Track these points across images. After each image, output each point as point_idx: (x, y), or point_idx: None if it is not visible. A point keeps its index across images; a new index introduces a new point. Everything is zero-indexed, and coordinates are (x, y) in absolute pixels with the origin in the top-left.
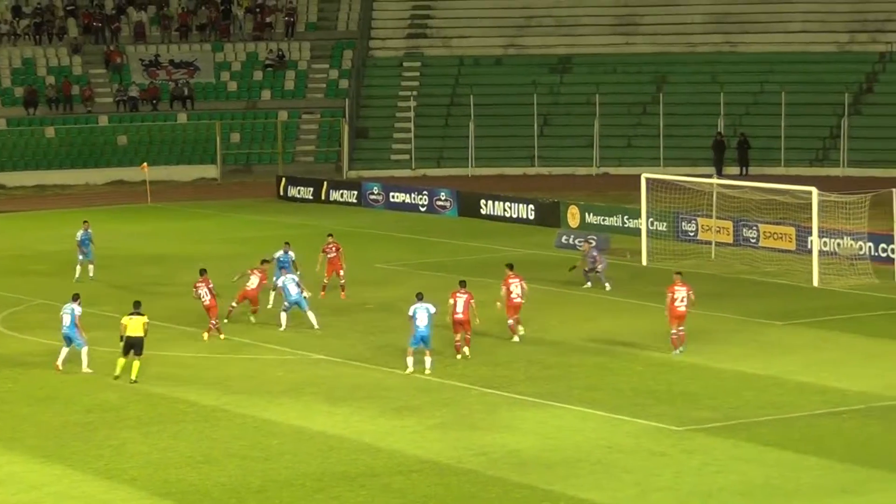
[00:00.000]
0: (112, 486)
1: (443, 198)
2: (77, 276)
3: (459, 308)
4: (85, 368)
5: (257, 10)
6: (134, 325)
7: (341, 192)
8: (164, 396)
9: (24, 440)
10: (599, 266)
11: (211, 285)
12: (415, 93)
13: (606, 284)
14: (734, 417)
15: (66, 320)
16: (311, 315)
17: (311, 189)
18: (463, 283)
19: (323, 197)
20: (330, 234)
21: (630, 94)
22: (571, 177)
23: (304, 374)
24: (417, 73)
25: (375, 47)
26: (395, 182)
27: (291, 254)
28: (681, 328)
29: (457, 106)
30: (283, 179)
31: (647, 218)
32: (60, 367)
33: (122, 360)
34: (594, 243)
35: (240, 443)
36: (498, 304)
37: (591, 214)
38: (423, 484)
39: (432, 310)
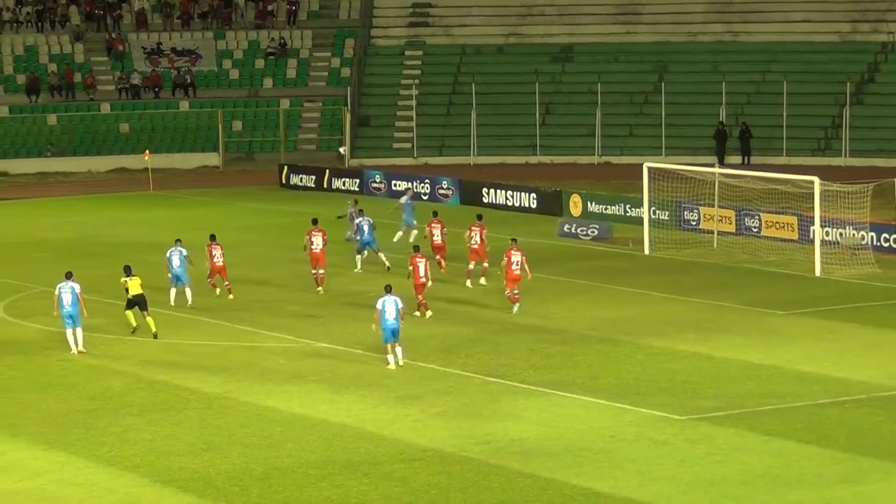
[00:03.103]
0: (115, 474)
1: (445, 186)
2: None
3: (476, 240)
4: (81, 347)
5: None
6: (134, 285)
7: (343, 180)
8: (166, 384)
9: (28, 427)
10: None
11: (222, 249)
12: (416, 81)
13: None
14: (736, 407)
15: (68, 299)
16: (382, 255)
17: (314, 177)
18: (514, 240)
19: (325, 185)
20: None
21: (632, 83)
22: (573, 165)
23: (306, 361)
24: (419, 62)
25: (377, 35)
26: (396, 170)
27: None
28: (515, 291)
29: (458, 94)
30: (285, 167)
31: (650, 207)
32: (82, 349)
33: (129, 313)
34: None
35: (243, 430)
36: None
37: (594, 203)
38: (425, 472)
39: (400, 304)
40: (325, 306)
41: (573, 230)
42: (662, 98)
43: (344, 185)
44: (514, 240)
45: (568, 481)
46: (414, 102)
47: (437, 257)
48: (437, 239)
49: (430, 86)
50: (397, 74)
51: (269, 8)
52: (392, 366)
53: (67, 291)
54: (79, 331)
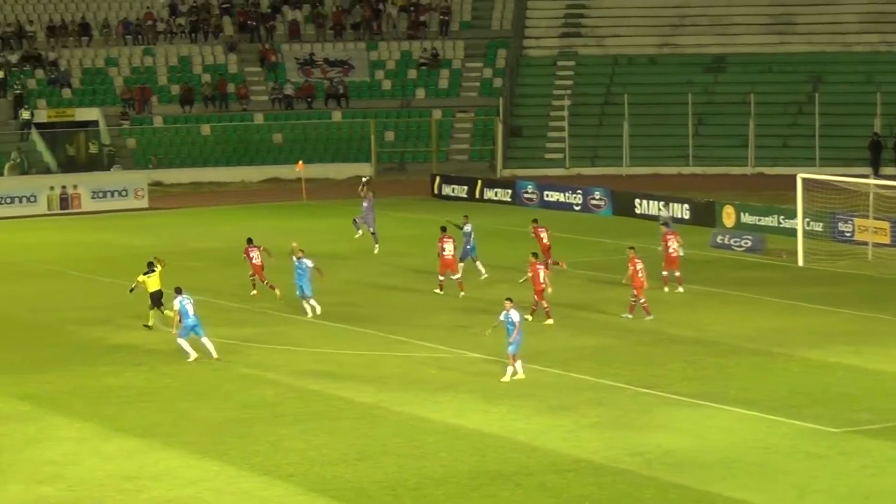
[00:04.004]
0: (269, 483)
1: (597, 197)
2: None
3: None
4: (215, 355)
5: (411, 8)
6: (153, 282)
7: (495, 190)
8: (320, 393)
9: (182, 436)
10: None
11: (262, 248)
12: (569, 91)
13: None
14: (892, 420)
15: (192, 310)
16: (479, 265)
17: (466, 187)
18: (632, 248)
19: (477, 195)
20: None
21: (785, 93)
22: (726, 176)
23: (459, 372)
24: (571, 72)
25: (529, 46)
26: (548, 181)
27: (468, 226)
28: (642, 299)
29: (611, 105)
30: (438, 178)
31: (803, 218)
32: (217, 357)
33: (152, 312)
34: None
35: (396, 440)
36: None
37: (747, 214)
38: (577, 483)
39: (516, 318)
40: (473, 315)
41: (726, 241)
42: (816, 108)
43: (496, 195)
44: (631, 248)
45: (721, 493)
46: (566, 113)
47: (549, 261)
48: (546, 241)
49: (583, 96)
50: (550, 85)
51: (422, 18)
52: (507, 377)
53: (189, 303)
54: (206, 340)
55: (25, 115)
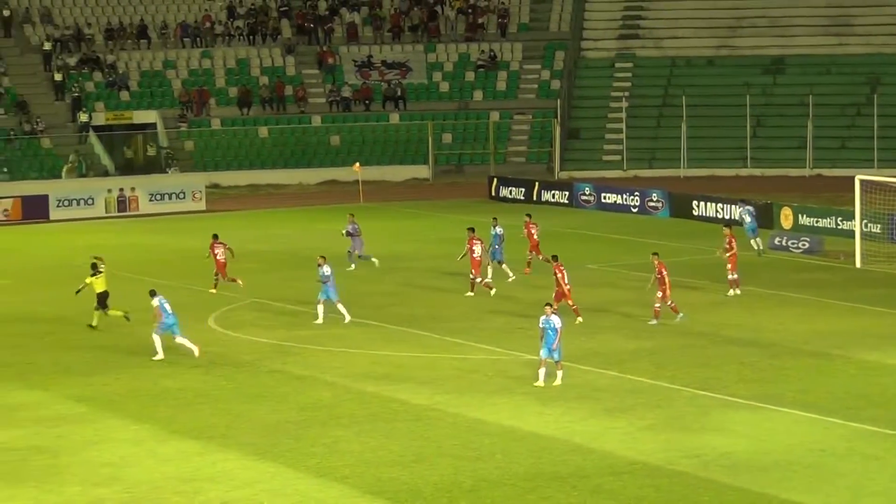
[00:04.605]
0: (325, 485)
1: (655, 199)
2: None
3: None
4: (197, 352)
5: (469, 10)
6: (99, 283)
7: (553, 192)
8: (376, 395)
9: (239, 437)
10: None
11: (226, 246)
12: (627, 93)
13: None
14: None
15: (170, 308)
16: (505, 268)
17: (523, 189)
18: (655, 254)
19: (534, 197)
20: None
21: (844, 94)
22: (784, 178)
23: (515, 374)
24: (629, 74)
25: (587, 48)
26: (606, 183)
27: (499, 228)
28: (669, 301)
29: (669, 107)
30: (495, 180)
31: (861, 220)
32: (163, 356)
33: (97, 313)
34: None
35: (452, 442)
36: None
37: (805, 216)
38: (634, 485)
39: (558, 324)
40: (529, 317)
41: (784, 243)
42: (875, 109)
43: (553, 197)
44: (655, 254)
45: (777, 495)
46: (624, 115)
47: (540, 258)
48: (536, 236)
49: (641, 98)
50: (607, 87)
51: (480, 20)
52: (541, 382)
53: (167, 302)
54: (181, 339)
55: (83, 117)
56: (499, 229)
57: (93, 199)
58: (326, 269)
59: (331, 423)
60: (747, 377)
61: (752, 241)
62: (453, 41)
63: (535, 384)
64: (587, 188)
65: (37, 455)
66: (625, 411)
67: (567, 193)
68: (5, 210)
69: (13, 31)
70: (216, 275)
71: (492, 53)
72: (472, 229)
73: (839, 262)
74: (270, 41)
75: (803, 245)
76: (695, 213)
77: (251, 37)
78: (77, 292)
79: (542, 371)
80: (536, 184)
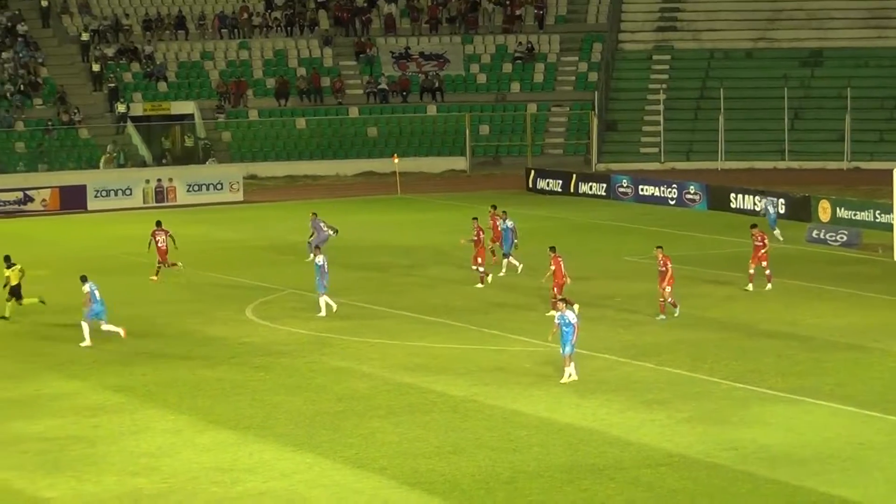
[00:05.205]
0: (362, 475)
1: (692, 191)
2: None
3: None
4: (123, 334)
5: (507, 2)
6: (14, 275)
7: (590, 184)
8: (413, 386)
9: (276, 428)
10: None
11: (168, 234)
12: (664, 86)
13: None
14: None
15: (98, 295)
16: (512, 260)
17: (560, 181)
18: (660, 247)
19: (572, 189)
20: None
21: (882, 87)
22: (822, 171)
23: (552, 366)
24: (667, 66)
25: (625, 40)
26: (643, 175)
27: (510, 222)
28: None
29: (706, 99)
30: (532, 172)
31: None
32: (92, 343)
33: (9, 304)
34: None
35: (489, 434)
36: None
37: (843, 209)
38: (671, 478)
39: (573, 319)
40: None
41: (822, 236)
42: None
43: (591, 189)
44: (659, 247)
45: (816, 488)
46: (661, 107)
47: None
48: (500, 228)
49: (678, 90)
50: (645, 79)
51: (517, 12)
52: (570, 377)
53: (96, 289)
54: (107, 326)
55: (121, 108)
56: (509, 222)
57: (130, 190)
58: (320, 260)
59: (368, 414)
60: (785, 370)
61: (775, 232)
62: (491, 33)
63: (562, 381)
64: (625, 180)
65: (74, 444)
66: (663, 403)
67: (604, 186)
68: (43, 200)
69: (51, 21)
70: (159, 262)
71: (529, 45)
72: (476, 218)
73: (877, 255)
74: (308, 32)
75: (841, 238)
76: (732, 205)
77: (289, 28)
78: (4, 286)
79: (566, 369)
80: (574, 176)
